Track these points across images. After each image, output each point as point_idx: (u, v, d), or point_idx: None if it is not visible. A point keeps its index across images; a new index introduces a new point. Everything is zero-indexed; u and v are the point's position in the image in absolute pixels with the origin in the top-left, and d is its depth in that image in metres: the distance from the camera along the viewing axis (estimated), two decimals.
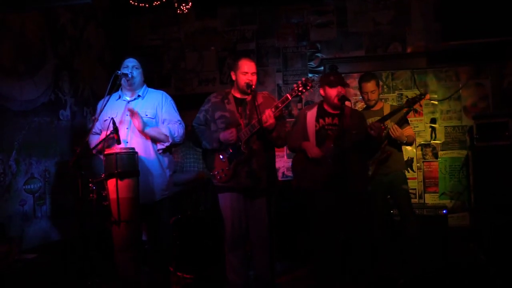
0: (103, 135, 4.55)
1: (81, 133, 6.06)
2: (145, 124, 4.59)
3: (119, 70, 4.72)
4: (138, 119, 4.55)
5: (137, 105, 4.77)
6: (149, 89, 4.95)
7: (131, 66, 4.78)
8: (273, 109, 4.53)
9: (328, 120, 4.88)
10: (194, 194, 6.24)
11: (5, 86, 5.08)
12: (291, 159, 7.11)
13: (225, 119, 4.77)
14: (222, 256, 5.08)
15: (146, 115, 4.73)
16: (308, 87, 4.55)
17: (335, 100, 4.77)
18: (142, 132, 4.60)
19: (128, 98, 4.82)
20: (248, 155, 4.66)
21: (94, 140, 4.73)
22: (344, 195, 4.68)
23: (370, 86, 5.57)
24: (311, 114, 4.95)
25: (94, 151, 4.65)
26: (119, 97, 4.85)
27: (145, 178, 4.54)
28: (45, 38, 5.74)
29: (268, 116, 4.49)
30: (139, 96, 4.82)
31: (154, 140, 4.71)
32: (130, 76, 4.68)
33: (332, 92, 4.80)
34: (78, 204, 4.25)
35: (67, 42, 6.16)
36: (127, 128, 4.67)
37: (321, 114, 4.92)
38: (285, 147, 7.09)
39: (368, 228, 5.03)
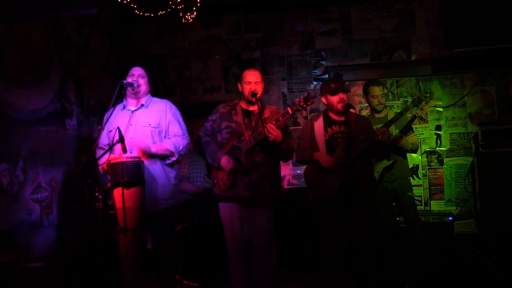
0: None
1: (87, 142, 6.08)
2: (149, 149, 4.58)
3: (125, 79, 4.74)
4: (142, 150, 4.57)
5: (140, 115, 4.79)
6: (153, 98, 4.95)
7: (137, 75, 4.79)
8: (273, 122, 4.54)
9: (336, 128, 4.88)
10: (200, 203, 6.26)
11: (12, 95, 5.10)
12: (296, 167, 7.17)
13: (231, 129, 4.79)
14: (227, 264, 5.08)
15: (150, 124, 4.75)
16: (309, 103, 4.53)
17: (339, 107, 4.78)
18: (150, 156, 4.61)
19: (133, 108, 4.83)
20: (248, 166, 4.65)
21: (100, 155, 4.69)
22: (353, 201, 4.70)
23: (379, 89, 5.59)
24: (319, 124, 4.95)
25: (101, 170, 4.65)
26: (124, 107, 4.87)
27: (149, 186, 4.55)
28: (51, 47, 5.77)
29: (271, 129, 4.48)
30: (142, 105, 4.83)
31: (162, 157, 4.73)
32: (135, 85, 4.70)
33: (335, 99, 4.81)
34: (84, 213, 4.26)
35: (72, 50, 6.19)
36: (131, 138, 4.68)
37: (328, 123, 4.92)
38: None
39: (373, 233, 5.02)
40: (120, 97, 4.73)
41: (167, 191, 4.80)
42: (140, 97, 4.83)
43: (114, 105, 4.68)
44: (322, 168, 4.80)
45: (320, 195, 4.85)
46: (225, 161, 4.69)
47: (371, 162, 5.14)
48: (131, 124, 4.74)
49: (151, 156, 4.65)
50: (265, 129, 4.46)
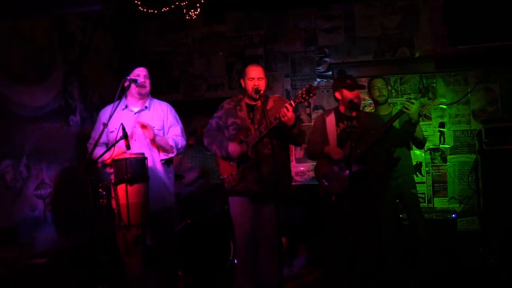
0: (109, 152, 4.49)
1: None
2: (155, 134, 4.58)
3: (128, 77, 4.71)
4: (149, 130, 4.54)
5: (144, 117, 4.75)
6: (154, 99, 4.92)
7: (142, 75, 4.73)
8: (287, 105, 4.47)
9: (347, 123, 4.90)
10: (203, 200, 6.27)
11: (16, 92, 5.12)
12: (299, 164, 7.16)
13: (236, 125, 4.80)
14: (231, 261, 5.09)
15: (154, 127, 4.73)
16: (311, 95, 4.50)
17: (355, 101, 4.81)
18: (152, 141, 4.60)
19: (135, 109, 4.78)
20: (256, 160, 4.66)
21: (100, 151, 4.55)
22: (361, 195, 4.70)
23: (380, 81, 5.61)
24: (330, 119, 4.97)
25: (99, 164, 4.61)
26: (126, 107, 4.80)
27: (150, 186, 4.55)
28: (55, 45, 5.78)
29: (287, 110, 4.43)
30: (146, 107, 4.80)
31: (159, 150, 4.72)
32: (139, 82, 4.66)
33: (351, 95, 4.83)
34: (88, 209, 4.26)
35: (76, 48, 6.20)
36: (135, 140, 4.65)
37: (339, 118, 4.95)
38: (293, 154, 7.11)
39: (376, 230, 5.02)
40: (123, 94, 4.71)
41: (168, 191, 4.82)
42: (143, 97, 4.79)
43: (114, 103, 4.61)
44: (332, 162, 4.82)
45: (332, 190, 4.85)
46: (232, 147, 4.70)
47: (382, 156, 5.14)
48: (135, 127, 4.72)
49: (145, 143, 4.65)
50: (280, 112, 4.45)
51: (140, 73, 4.73)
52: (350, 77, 5.09)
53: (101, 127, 4.40)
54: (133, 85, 4.68)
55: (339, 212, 4.81)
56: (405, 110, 5.10)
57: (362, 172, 4.72)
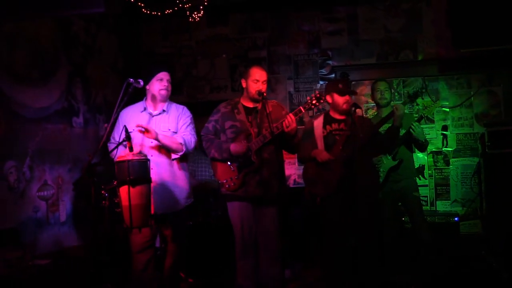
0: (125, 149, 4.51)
1: (94, 140, 6.12)
2: (157, 133, 4.55)
3: (132, 77, 4.68)
4: (150, 131, 4.51)
5: (161, 120, 4.73)
6: (173, 103, 4.88)
7: (166, 80, 4.73)
8: (294, 114, 4.52)
9: (335, 125, 4.91)
10: (205, 202, 6.27)
11: (19, 93, 5.12)
12: (302, 166, 7.15)
13: (235, 128, 4.75)
14: (233, 262, 5.09)
15: (169, 129, 4.69)
16: (322, 101, 4.53)
17: (344, 107, 4.81)
18: (157, 141, 4.57)
19: (154, 112, 4.75)
20: (259, 165, 4.65)
21: (119, 151, 4.58)
22: (354, 198, 4.70)
23: (383, 84, 5.60)
24: (318, 122, 4.99)
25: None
26: (144, 109, 4.78)
27: (170, 187, 4.61)
28: (58, 45, 5.79)
29: (291, 121, 4.48)
30: (164, 110, 4.77)
31: (168, 150, 4.69)
32: (141, 84, 4.63)
33: (341, 100, 4.83)
34: (90, 211, 4.27)
35: (80, 49, 6.21)
36: (151, 142, 4.61)
37: (328, 121, 4.97)
38: (295, 155, 7.11)
39: (377, 232, 5.02)
40: (126, 95, 4.68)
41: (187, 190, 4.79)
42: (163, 100, 4.79)
43: (128, 104, 4.64)
44: (319, 165, 4.82)
45: (317, 192, 4.87)
46: (234, 146, 4.64)
47: (372, 161, 5.15)
48: (143, 130, 4.69)
49: (158, 145, 4.61)
50: (284, 122, 4.47)
51: (163, 77, 4.72)
52: (343, 81, 5.10)
53: (122, 128, 4.41)
54: (156, 86, 4.69)
55: (329, 214, 4.83)
56: (394, 110, 5.06)
57: (349, 176, 4.71)
